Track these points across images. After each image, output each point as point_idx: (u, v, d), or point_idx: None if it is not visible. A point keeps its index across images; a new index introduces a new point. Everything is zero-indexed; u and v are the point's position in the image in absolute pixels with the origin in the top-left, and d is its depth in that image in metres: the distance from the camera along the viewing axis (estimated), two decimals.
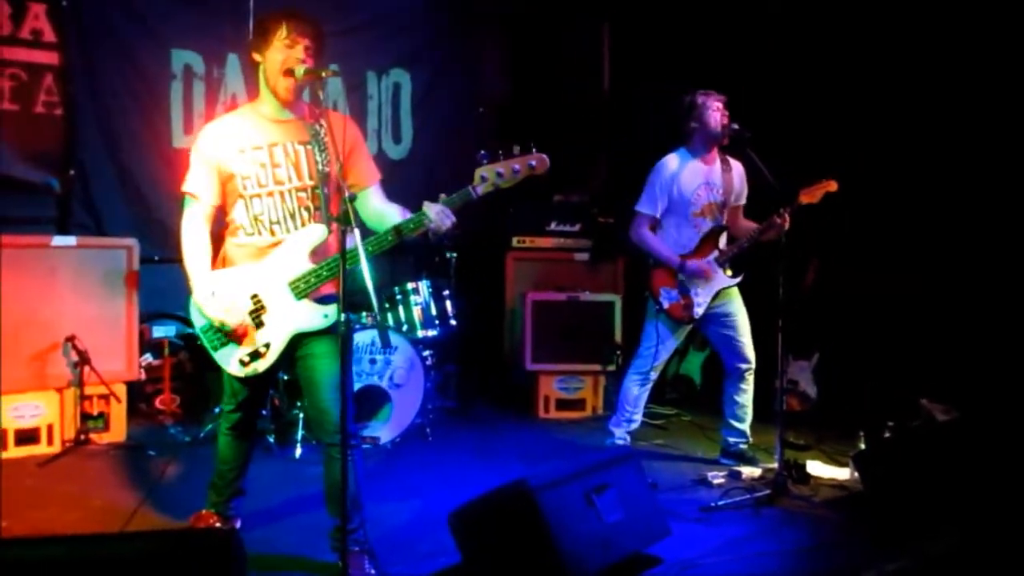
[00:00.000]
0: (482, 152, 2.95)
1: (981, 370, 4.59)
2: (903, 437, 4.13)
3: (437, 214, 2.91)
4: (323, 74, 2.88)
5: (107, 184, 5.37)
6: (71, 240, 4.68)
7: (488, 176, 2.93)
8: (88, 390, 4.54)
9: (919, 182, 5.03)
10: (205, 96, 5.66)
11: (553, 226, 6.07)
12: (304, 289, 3.00)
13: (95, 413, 4.61)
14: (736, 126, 4.24)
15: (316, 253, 3.02)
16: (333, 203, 3.05)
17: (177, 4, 5.53)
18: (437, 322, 5.09)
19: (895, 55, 5.12)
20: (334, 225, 2.98)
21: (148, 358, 5.08)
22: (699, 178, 4.38)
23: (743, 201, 4.52)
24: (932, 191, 4.97)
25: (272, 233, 3.04)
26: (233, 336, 3.02)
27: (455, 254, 5.50)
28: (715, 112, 4.28)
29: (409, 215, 2.99)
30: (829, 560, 3.34)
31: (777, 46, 5.58)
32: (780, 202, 4.14)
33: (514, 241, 6.02)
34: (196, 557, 2.24)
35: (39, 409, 4.47)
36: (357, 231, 2.73)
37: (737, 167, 4.47)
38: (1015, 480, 3.29)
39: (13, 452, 4.37)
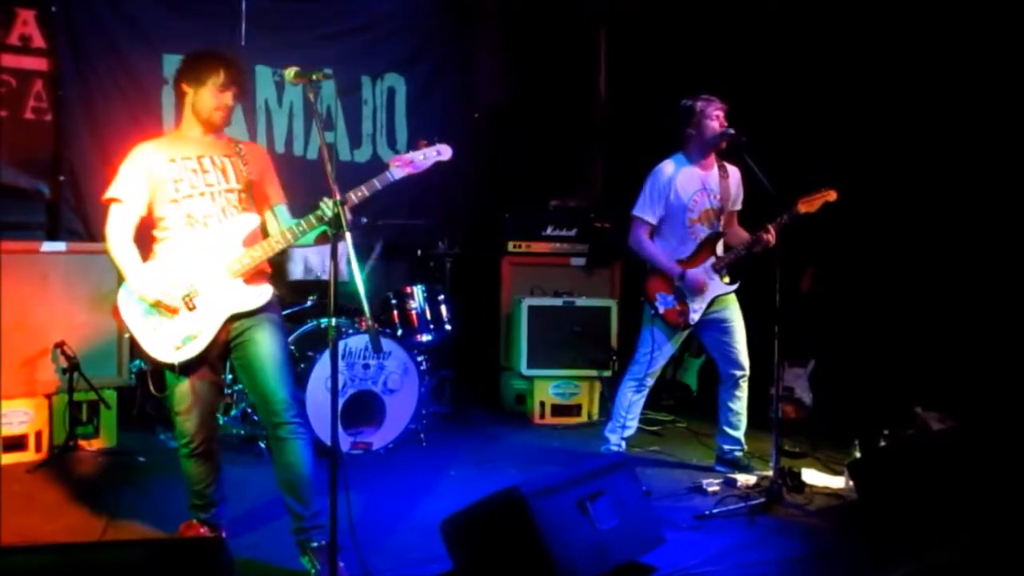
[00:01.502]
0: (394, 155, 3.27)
1: (977, 379, 4.57)
2: (898, 446, 4.11)
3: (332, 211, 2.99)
4: (313, 77, 2.88)
5: (97, 190, 5.26)
6: (61, 246, 4.64)
7: (401, 163, 3.20)
8: (78, 396, 4.49)
9: (916, 189, 5.02)
10: None
11: (549, 231, 6.05)
12: (238, 269, 3.11)
13: (85, 419, 4.57)
14: (732, 131, 4.22)
15: (248, 241, 3.16)
16: (257, 207, 3.27)
17: (168, 9, 5.48)
18: (432, 327, 5.06)
19: (894, 60, 5.11)
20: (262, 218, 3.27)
21: (139, 364, 5.03)
22: (696, 184, 4.36)
23: (739, 207, 4.50)
24: (929, 198, 4.96)
25: (205, 226, 3.15)
26: (169, 317, 3.07)
27: (450, 259, 5.48)
28: (714, 120, 4.27)
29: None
30: (823, 569, 3.32)
31: (775, 51, 5.57)
32: (777, 208, 4.13)
33: (510, 246, 6.00)
34: (184, 565, 2.22)
35: (28, 415, 4.42)
36: (349, 236, 2.73)
37: (734, 173, 4.45)
38: (1011, 489, 3.27)
39: (1, 459, 4.32)
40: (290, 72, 2.93)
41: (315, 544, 3.05)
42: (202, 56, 3.22)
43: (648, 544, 3.15)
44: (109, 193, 3.16)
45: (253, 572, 3.12)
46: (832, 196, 4.11)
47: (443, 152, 3.31)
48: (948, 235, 4.91)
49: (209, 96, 3.15)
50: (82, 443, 4.51)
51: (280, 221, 3.31)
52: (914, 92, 5.03)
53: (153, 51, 5.47)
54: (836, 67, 5.32)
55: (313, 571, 3.03)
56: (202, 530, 3.29)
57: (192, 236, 3.13)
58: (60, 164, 5.21)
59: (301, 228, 3.08)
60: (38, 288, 4.47)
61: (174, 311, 3.07)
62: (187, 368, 3.12)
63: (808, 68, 5.41)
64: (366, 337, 4.51)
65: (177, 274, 3.09)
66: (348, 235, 2.72)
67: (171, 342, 3.08)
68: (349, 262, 2.72)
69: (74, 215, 5.26)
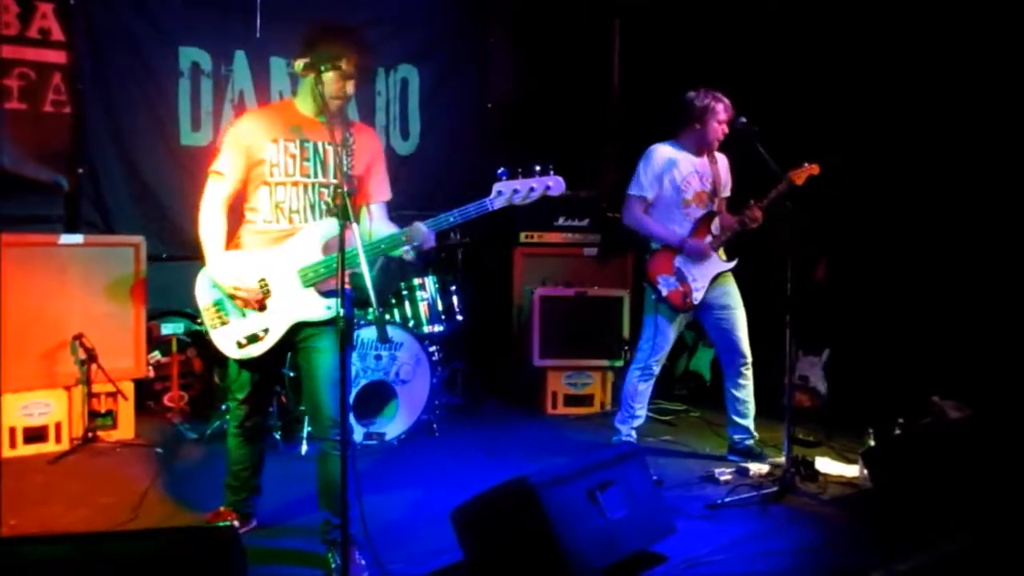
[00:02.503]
0: (502, 169, 3.06)
1: (993, 367, 4.53)
2: (913, 435, 4.09)
3: (419, 239, 3.01)
4: (322, 68, 2.89)
5: (115, 182, 5.38)
6: (79, 238, 4.70)
7: (505, 192, 3.05)
8: (96, 388, 4.56)
9: (931, 178, 4.97)
10: (213, 94, 5.66)
11: (561, 221, 6.04)
12: (312, 278, 3.07)
13: (103, 411, 4.63)
14: (744, 119, 4.22)
15: (329, 247, 3.06)
16: (356, 202, 3.15)
17: (185, 2, 5.52)
18: (443, 317, 5.08)
19: (909, 49, 5.06)
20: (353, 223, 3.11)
21: (156, 355, 5.09)
22: (689, 167, 4.41)
23: (727, 193, 4.52)
24: (945, 186, 4.91)
25: (291, 221, 3.11)
26: (243, 307, 3.08)
27: (462, 249, 5.49)
28: (721, 125, 4.32)
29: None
30: (837, 559, 3.30)
31: (788, 40, 5.52)
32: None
33: (522, 236, 5.99)
34: (197, 554, 2.25)
35: (48, 407, 4.49)
36: (356, 226, 2.75)
37: (723, 160, 4.51)
38: None
39: (22, 450, 4.40)
40: (299, 64, 2.94)
41: (336, 539, 3.07)
42: (336, 37, 3.02)
43: (659, 533, 3.16)
44: (213, 166, 3.13)
45: (266, 561, 3.15)
46: (815, 170, 4.20)
47: (554, 187, 3.09)
48: (965, 224, 4.86)
49: (332, 81, 2.99)
50: (101, 434, 4.57)
51: (374, 221, 3.19)
52: (934, 84, 4.97)
53: (169, 43, 5.52)
54: (854, 58, 5.27)
55: (334, 564, 3.06)
56: (231, 518, 3.35)
57: (276, 230, 3.10)
58: (79, 157, 5.27)
59: (380, 249, 3.04)
60: (57, 280, 4.53)
61: (246, 304, 3.07)
62: (249, 363, 3.17)
63: (826, 58, 5.36)
64: None
65: (252, 270, 3.08)
66: (355, 226, 2.73)
67: (236, 338, 3.11)
68: (356, 253, 2.72)
69: (92, 207, 5.32)
